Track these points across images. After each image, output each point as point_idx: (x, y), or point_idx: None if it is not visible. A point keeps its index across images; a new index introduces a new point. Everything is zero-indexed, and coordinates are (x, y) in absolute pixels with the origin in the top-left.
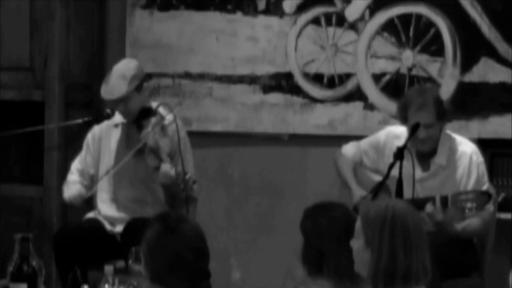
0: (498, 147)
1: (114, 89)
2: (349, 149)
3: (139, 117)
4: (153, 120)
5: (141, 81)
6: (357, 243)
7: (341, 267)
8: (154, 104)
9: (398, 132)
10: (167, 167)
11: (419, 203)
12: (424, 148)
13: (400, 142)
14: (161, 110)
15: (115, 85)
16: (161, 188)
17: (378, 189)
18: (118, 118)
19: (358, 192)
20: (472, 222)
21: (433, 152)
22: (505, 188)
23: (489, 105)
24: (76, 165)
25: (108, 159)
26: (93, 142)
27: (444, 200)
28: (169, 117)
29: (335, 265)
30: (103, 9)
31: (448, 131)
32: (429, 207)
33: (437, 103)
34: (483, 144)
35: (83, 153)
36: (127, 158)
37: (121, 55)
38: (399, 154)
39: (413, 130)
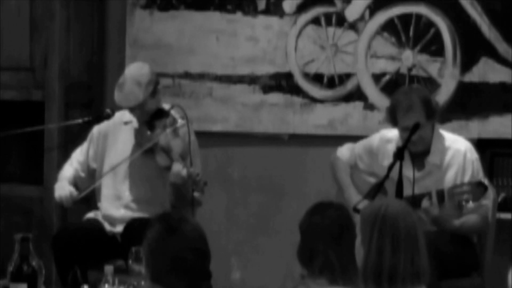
0: (498, 147)
1: (130, 96)
2: (344, 152)
3: (152, 118)
4: (166, 121)
5: (155, 85)
6: (356, 241)
7: (329, 265)
8: (166, 106)
9: (390, 136)
10: (179, 167)
11: (415, 200)
12: (416, 149)
13: (393, 146)
14: (174, 112)
15: (130, 93)
16: (166, 188)
17: (376, 191)
18: (127, 115)
19: (354, 197)
20: (470, 217)
21: (426, 152)
22: (505, 188)
23: (489, 105)
24: (77, 155)
25: (114, 156)
26: (99, 136)
27: (441, 195)
28: (180, 121)
29: (324, 262)
30: (103, 9)
31: (441, 130)
32: (425, 203)
33: (424, 103)
34: (483, 144)
35: (85, 145)
36: (135, 155)
37: (121, 55)
38: (399, 154)
39: (413, 130)
